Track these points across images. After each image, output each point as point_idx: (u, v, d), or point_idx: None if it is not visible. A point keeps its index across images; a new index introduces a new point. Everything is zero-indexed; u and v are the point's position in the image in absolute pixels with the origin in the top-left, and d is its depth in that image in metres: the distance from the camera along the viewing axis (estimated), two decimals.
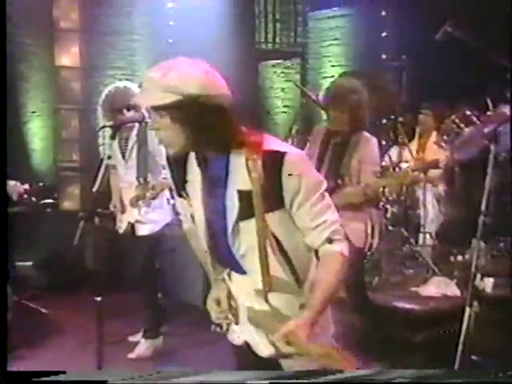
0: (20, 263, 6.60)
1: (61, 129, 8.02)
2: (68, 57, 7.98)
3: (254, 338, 2.42)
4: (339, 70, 8.37)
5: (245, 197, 2.27)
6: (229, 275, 2.48)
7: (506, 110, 4.37)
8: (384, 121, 6.49)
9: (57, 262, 6.84)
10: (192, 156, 2.38)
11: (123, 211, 4.93)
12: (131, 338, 5.14)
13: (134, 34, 8.44)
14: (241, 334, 2.48)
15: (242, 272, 2.40)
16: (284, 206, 2.29)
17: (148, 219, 4.84)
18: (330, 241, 2.29)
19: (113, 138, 4.36)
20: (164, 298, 5.40)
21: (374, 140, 4.28)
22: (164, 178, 4.70)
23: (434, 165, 6.07)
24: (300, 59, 9.42)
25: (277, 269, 2.32)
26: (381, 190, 4.16)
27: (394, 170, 5.53)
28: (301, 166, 2.28)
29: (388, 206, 5.95)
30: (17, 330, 5.21)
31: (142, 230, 4.85)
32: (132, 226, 4.88)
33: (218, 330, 2.55)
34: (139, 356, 4.84)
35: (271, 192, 2.25)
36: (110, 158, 4.45)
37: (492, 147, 3.91)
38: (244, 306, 2.43)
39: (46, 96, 8.09)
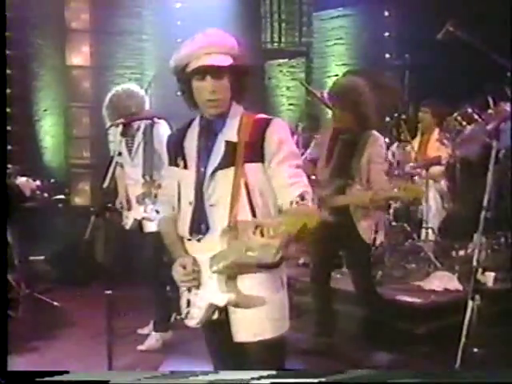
0: (32, 257, 6.62)
1: (72, 127, 8.04)
2: (79, 56, 8.00)
3: (214, 290, 2.46)
4: (343, 69, 8.34)
5: (229, 147, 2.48)
6: (198, 240, 2.54)
7: (506, 107, 4.37)
8: (387, 119, 6.47)
9: (68, 256, 6.86)
10: (193, 125, 2.62)
11: (129, 208, 4.92)
12: (140, 331, 5.14)
13: (143, 34, 8.42)
14: (201, 300, 2.52)
15: (205, 229, 2.50)
16: (263, 161, 2.46)
17: (155, 216, 4.82)
18: (302, 198, 2.37)
19: (123, 135, 4.37)
20: (173, 291, 5.39)
21: (382, 139, 4.27)
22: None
23: (436, 161, 6.06)
24: (305, 58, 9.40)
25: (244, 215, 2.43)
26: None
27: (399, 175, 5.54)
28: (284, 132, 2.51)
29: (391, 202, 5.92)
30: (29, 323, 5.24)
31: (149, 227, 4.84)
32: (139, 223, 4.88)
33: (178, 317, 2.60)
34: (149, 348, 4.84)
35: (254, 146, 2.46)
36: (120, 154, 4.47)
37: (493, 144, 3.88)
38: (206, 263, 2.48)
39: (57, 94, 8.09)
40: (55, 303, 5.86)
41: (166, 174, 2.76)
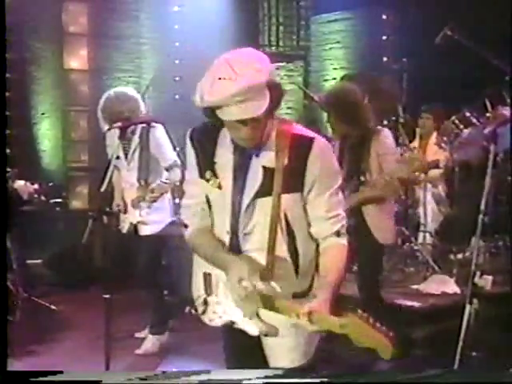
0: (30, 261, 6.61)
1: (70, 130, 8.04)
2: (77, 60, 8.00)
3: (242, 317, 2.35)
4: (341, 73, 8.35)
5: (267, 174, 2.26)
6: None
7: (504, 111, 4.36)
8: (385, 122, 6.47)
9: (66, 259, 6.85)
10: (224, 137, 2.34)
11: (125, 211, 4.92)
12: (138, 335, 5.14)
13: (140, 38, 8.43)
14: (224, 314, 2.42)
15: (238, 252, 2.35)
16: (302, 190, 2.29)
17: (150, 220, 4.83)
18: (338, 234, 2.32)
19: (120, 138, 4.38)
20: (170, 295, 5.39)
21: (386, 130, 4.25)
22: (163, 182, 4.70)
23: (434, 165, 6.05)
24: (303, 62, 9.41)
25: (281, 249, 2.30)
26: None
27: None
28: (327, 154, 2.32)
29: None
30: (27, 326, 5.23)
31: (145, 231, 4.84)
32: (135, 227, 4.88)
33: (193, 311, 2.53)
34: (146, 352, 4.83)
35: (294, 173, 2.25)
36: (118, 158, 4.47)
37: (491, 148, 3.89)
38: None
39: (55, 98, 8.09)
40: (53, 307, 5.85)
41: (193, 181, 2.45)
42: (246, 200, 2.30)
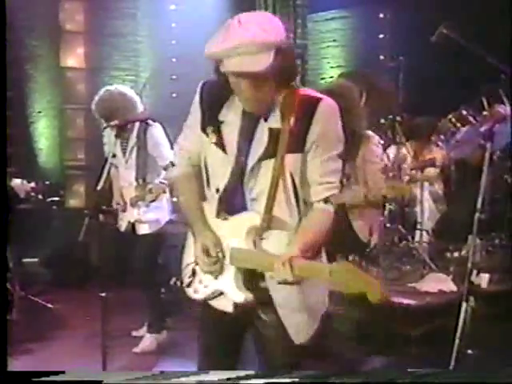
0: (26, 259, 6.60)
1: (66, 128, 8.03)
2: (73, 58, 7.99)
3: (230, 283, 2.31)
4: (338, 71, 8.36)
5: (273, 135, 2.24)
6: (224, 219, 2.37)
7: (501, 109, 4.37)
8: (382, 120, 6.48)
9: (62, 258, 6.85)
10: (233, 99, 2.31)
11: (124, 210, 4.92)
12: (135, 333, 5.13)
13: (137, 36, 8.42)
14: (211, 281, 2.37)
15: (235, 212, 2.33)
16: (303, 150, 2.26)
17: (147, 219, 4.83)
18: (326, 201, 2.30)
19: (117, 136, 4.37)
20: (167, 293, 5.39)
21: (376, 138, 4.27)
22: (162, 182, 4.70)
23: (431, 163, 6.06)
24: (299, 60, 9.39)
25: (281, 210, 2.28)
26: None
27: (394, 177, 5.53)
28: (333, 116, 2.29)
29: (386, 204, 5.92)
30: (23, 325, 5.23)
31: (143, 229, 4.84)
32: (133, 225, 4.87)
33: (179, 284, 2.50)
34: (143, 350, 4.83)
35: (298, 133, 2.23)
36: (114, 156, 4.47)
37: (488, 146, 3.89)
38: (228, 248, 2.33)
39: (51, 96, 8.08)
40: (49, 305, 5.85)
41: (192, 131, 2.45)
42: (250, 162, 2.28)
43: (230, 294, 2.33)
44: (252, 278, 2.30)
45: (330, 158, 2.28)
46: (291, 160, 2.25)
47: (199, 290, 2.42)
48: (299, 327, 2.35)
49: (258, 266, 2.24)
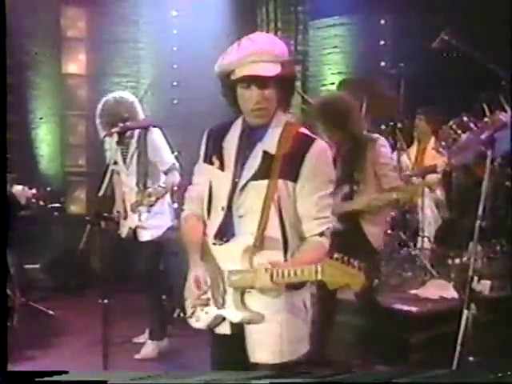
0: (27, 266, 6.61)
1: (68, 135, 8.04)
2: (75, 64, 8.01)
3: (228, 305, 2.42)
4: (339, 78, 8.34)
5: (266, 159, 2.41)
6: (220, 244, 2.50)
7: (502, 116, 4.37)
8: (383, 127, 6.48)
9: (63, 264, 6.85)
10: (236, 124, 2.53)
11: (125, 216, 4.93)
12: (136, 340, 5.13)
13: (139, 43, 8.44)
14: (211, 308, 2.48)
15: (230, 236, 2.46)
16: (295, 181, 2.39)
17: (149, 225, 4.84)
18: (321, 234, 2.42)
19: (118, 143, 4.38)
20: (168, 300, 5.39)
21: (383, 139, 4.26)
22: (160, 186, 4.71)
23: (432, 170, 6.07)
24: (301, 67, 9.40)
25: (272, 230, 2.40)
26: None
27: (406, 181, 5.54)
28: (324, 157, 2.43)
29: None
30: (24, 332, 5.23)
31: (145, 236, 4.84)
32: (134, 231, 4.88)
33: (182, 315, 2.57)
34: (145, 357, 4.83)
35: (291, 163, 2.38)
36: (115, 163, 4.49)
37: (488, 153, 3.90)
38: (225, 272, 2.44)
39: (53, 103, 8.09)
40: (50, 312, 5.85)
41: (199, 170, 2.66)
42: (242, 181, 2.43)
43: (227, 314, 2.45)
44: (249, 299, 2.42)
45: (324, 196, 2.42)
46: (282, 185, 2.39)
47: (201, 317, 2.53)
48: (283, 347, 2.44)
49: (252, 284, 2.35)
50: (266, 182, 2.39)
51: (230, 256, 2.43)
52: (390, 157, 4.31)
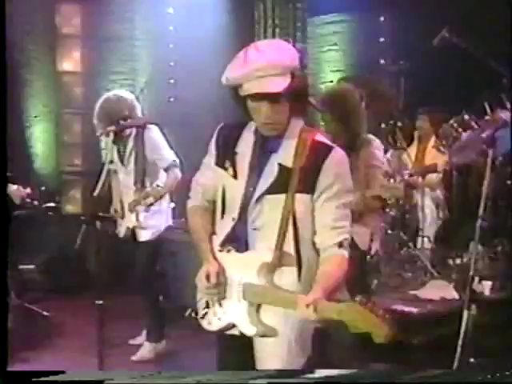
0: (22, 266, 6.60)
1: (63, 133, 8.03)
2: (70, 62, 8.00)
3: (242, 317, 2.42)
4: (338, 75, 8.36)
5: (283, 172, 2.37)
6: (228, 251, 2.49)
7: (503, 114, 4.38)
8: (383, 125, 6.49)
9: (59, 265, 6.85)
10: (249, 130, 2.48)
11: (123, 216, 4.93)
12: (132, 341, 5.14)
13: (134, 40, 8.43)
14: (224, 314, 2.48)
15: (244, 248, 2.44)
16: (313, 193, 2.36)
17: (148, 224, 4.84)
18: (340, 245, 2.37)
19: (114, 142, 4.39)
20: (165, 301, 5.39)
21: (378, 141, 4.27)
22: (159, 186, 4.72)
23: (432, 169, 6.08)
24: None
25: (287, 246, 2.37)
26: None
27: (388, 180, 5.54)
28: (343, 166, 2.41)
29: (387, 210, 5.94)
30: (19, 333, 5.22)
31: (143, 236, 4.85)
32: (132, 231, 4.88)
33: (193, 315, 2.57)
34: (142, 358, 4.84)
35: (308, 175, 2.35)
36: (112, 162, 4.49)
37: (490, 152, 3.91)
38: (239, 283, 2.44)
39: (48, 101, 8.09)
40: (45, 313, 5.84)
41: (209, 167, 2.59)
42: (257, 193, 2.40)
43: (241, 326, 2.44)
44: (264, 313, 2.41)
45: (342, 205, 2.38)
46: (299, 199, 2.36)
47: (213, 322, 2.53)
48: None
49: (274, 302, 2.36)
50: (283, 196, 2.36)
51: (242, 267, 2.43)
52: (382, 161, 4.32)
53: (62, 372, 2.31)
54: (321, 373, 2.35)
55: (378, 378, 2.49)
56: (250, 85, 2.28)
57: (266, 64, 2.25)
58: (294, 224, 2.37)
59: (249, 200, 2.42)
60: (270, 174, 2.39)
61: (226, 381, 2.36)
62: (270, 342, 2.41)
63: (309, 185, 2.35)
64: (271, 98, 2.29)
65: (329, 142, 2.43)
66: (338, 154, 2.39)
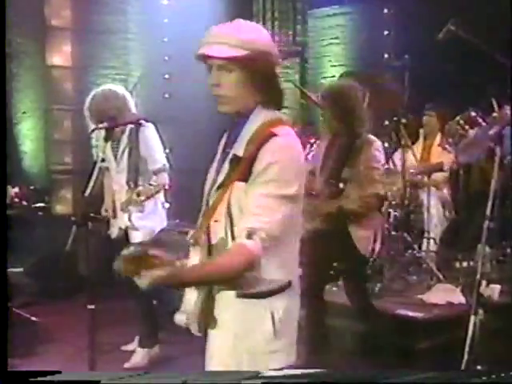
0: (10, 269, 6.59)
1: (52, 130, 8.04)
2: (60, 56, 8.01)
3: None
4: (340, 70, 8.37)
5: (234, 163, 2.34)
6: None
7: (508, 111, 4.39)
8: (386, 122, 6.50)
9: (49, 268, 6.84)
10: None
11: (115, 216, 4.93)
12: (124, 348, 5.14)
13: (128, 33, 8.44)
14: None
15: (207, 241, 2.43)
16: (247, 180, 2.30)
17: (140, 225, 4.82)
18: (249, 235, 2.23)
19: (106, 140, 4.38)
20: (159, 306, 5.39)
21: (379, 143, 4.29)
22: (150, 185, 4.71)
23: (439, 168, 6.08)
24: (299, 59, 9.42)
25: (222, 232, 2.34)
26: (380, 195, 4.17)
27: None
28: (278, 154, 2.27)
29: (390, 210, 5.95)
30: (6, 339, 5.22)
31: (136, 237, 4.83)
32: (125, 232, 4.88)
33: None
34: (135, 365, 4.83)
35: (247, 164, 2.29)
36: (103, 160, 4.48)
37: (497, 149, 3.92)
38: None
39: (37, 96, 8.09)
40: (34, 318, 5.84)
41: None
42: (212, 190, 2.41)
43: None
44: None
45: (270, 195, 2.25)
46: (236, 187, 2.30)
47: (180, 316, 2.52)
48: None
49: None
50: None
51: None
52: (382, 163, 4.34)
53: (59, 372, 2.32)
54: (318, 373, 2.35)
55: (376, 378, 2.49)
56: (200, 48, 2.35)
57: (219, 32, 2.33)
58: (229, 212, 2.31)
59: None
60: (225, 166, 2.39)
61: (217, 381, 2.35)
62: (214, 337, 2.41)
63: (246, 172, 2.29)
64: (219, 65, 2.32)
65: (280, 130, 2.32)
66: (276, 142, 2.28)
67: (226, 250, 2.31)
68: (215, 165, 2.48)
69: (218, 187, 2.36)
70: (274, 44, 2.41)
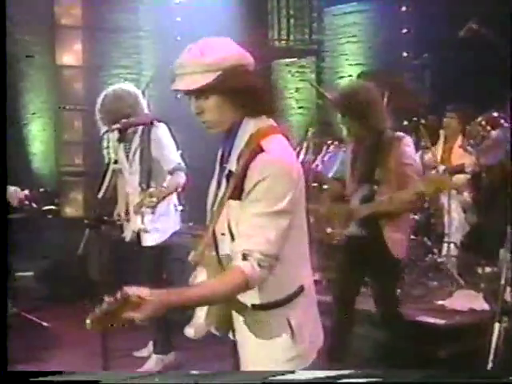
0: (20, 273, 6.62)
1: (63, 131, 8.07)
2: (70, 55, 8.04)
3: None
4: (357, 69, 8.37)
5: (230, 177, 2.36)
6: None
7: None
8: (405, 123, 6.47)
9: (59, 272, 6.86)
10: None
11: (128, 219, 4.92)
12: (137, 353, 5.14)
13: (139, 31, 8.47)
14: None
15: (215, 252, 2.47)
16: (241, 199, 2.32)
17: (154, 228, 4.81)
18: (245, 257, 2.24)
19: (119, 141, 4.38)
20: (173, 311, 5.38)
21: (408, 138, 4.25)
22: (163, 186, 4.71)
23: (460, 170, 6.05)
24: (315, 57, 9.41)
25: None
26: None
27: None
28: (266, 171, 2.27)
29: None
30: (16, 344, 5.24)
31: (149, 240, 4.83)
32: (138, 235, 4.87)
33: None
34: (148, 371, 4.82)
35: (238, 181, 2.31)
36: (116, 162, 4.48)
37: None
38: None
39: (46, 96, 8.13)
40: (44, 323, 5.86)
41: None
42: (213, 206, 2.43)
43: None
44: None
45: (264, 213, 2.25)
46: (232, 206, 2.32)
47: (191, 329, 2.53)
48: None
49: None
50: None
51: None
52: (414, 158, 4.29)
53: (60, 372, 2.33)
54: (321, 373, 2.36)
55: (381, 377, 2.48)
56: (172, 85, 2.35)
57: (184, 61, 2.31)
58: (229, 228, 2.35)
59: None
60: (223, 182, 2.41)
61: (228, 381, 2.37)
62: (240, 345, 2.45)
63: (239, 189, 2.30)
64: (194, 94, 2.33)
65: (267, 144, 2.31)
66: (262, 160, 2.27)
67: (224, 274, 2.33)
68: (216, 178, 2.50)
69: (219, 204, 2.38)
70: (244, 50, 2.38)
